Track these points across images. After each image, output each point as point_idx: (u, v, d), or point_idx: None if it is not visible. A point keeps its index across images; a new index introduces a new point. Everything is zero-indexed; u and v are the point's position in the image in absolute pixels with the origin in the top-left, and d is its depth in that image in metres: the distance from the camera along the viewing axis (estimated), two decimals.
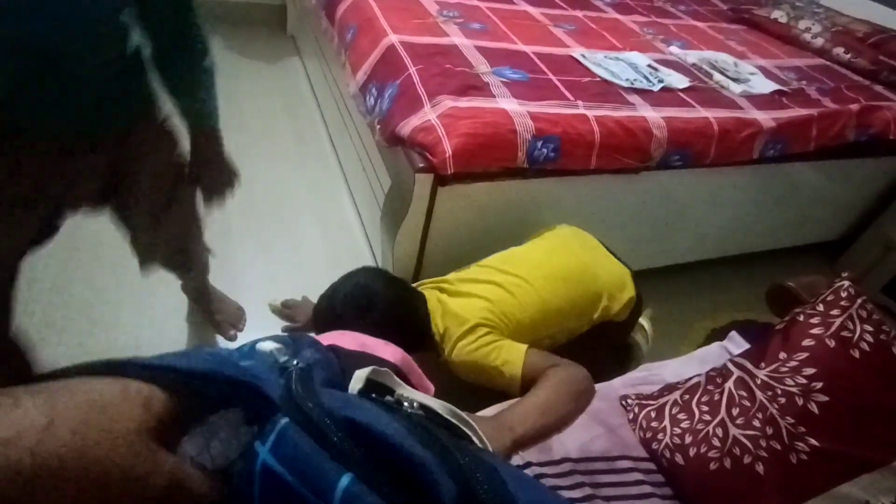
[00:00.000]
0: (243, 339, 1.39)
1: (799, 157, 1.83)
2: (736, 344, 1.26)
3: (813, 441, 0.85)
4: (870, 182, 2.20)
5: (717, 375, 1.01)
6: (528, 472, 0.90)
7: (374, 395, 0.40)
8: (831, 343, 0.89)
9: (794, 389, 0.88)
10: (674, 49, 2.10)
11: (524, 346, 1.06)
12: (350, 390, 0.40)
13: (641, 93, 1.67)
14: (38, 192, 0.88)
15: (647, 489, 0.95)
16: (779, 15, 2.57)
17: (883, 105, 1.99)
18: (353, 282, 1.14)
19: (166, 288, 1.46)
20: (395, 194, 1.45)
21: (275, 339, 0.38)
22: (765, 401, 0.90)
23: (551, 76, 1.63)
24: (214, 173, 1.09)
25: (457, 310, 1.14)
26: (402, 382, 0.43)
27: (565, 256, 1.29)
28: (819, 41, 2.41)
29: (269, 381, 0.32)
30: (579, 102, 1.52)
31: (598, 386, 1.02)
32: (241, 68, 2.66)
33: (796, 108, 1.84)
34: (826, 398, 0.85)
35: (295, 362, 0.35)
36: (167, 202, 1.09)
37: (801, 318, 0.96)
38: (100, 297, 1.51)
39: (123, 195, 1.03)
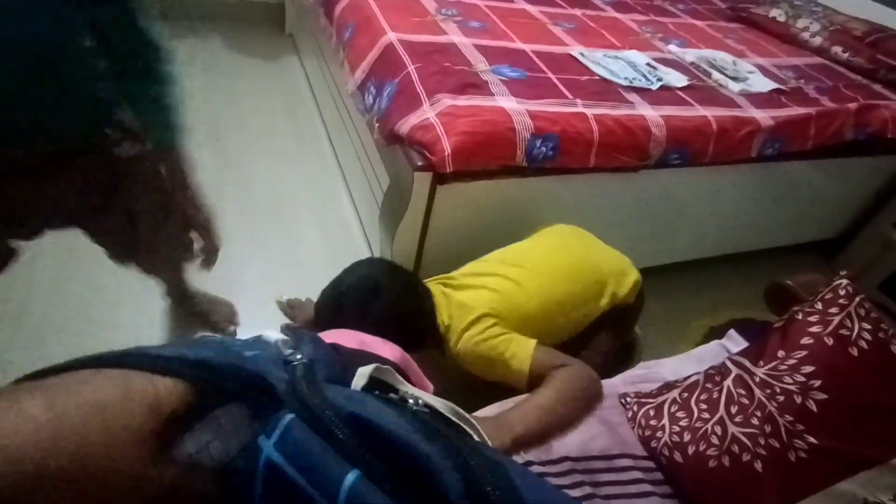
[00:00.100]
0: (241, 336, 1.39)
1: (797, 156, 1.83)
2: (734, 342, 1.26)
3: (811, 439, 0.85)
4: (867, 180, 2.20)
5: (716, 373, 1.01)
6: None
7: (377, 392, 0.40)
8: (830, 341, 0.89)
9: (792, 387, 0.88)
10: (672, 48, 2.10)
11: (533, 342, 1.05)
12: (353, 387, 0.39)
13: (640, 91, 1.67)
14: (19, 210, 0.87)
15: (646, 488, 0.95)
16: (777, 13, 2.57)
17: (881, 104, 1.99)
18: (358, 272, 1.13)
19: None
20: (393, 193, 1.45)
21: (281, 330, 0.38)
22: (763, 399, 0.90)
23: (550, 74, 1.63)
24: (187, 205, 1.06)
25: (463, 300, 1.13)
26: (403, 380, 0.43)
27: (565, 250, 1.30)
28: (817, 40, 2.41)
29: (273, 375, 0.32)
30: (578, 101, 1.52)
31: None
32: (239, 67, 2.65)
33: (794, 106, 1.84)
34: (824, 396, 0.86)
35: (298, 357, 0.35)
36: (146, 231, 1.08)
37: (800, 316, 0.96)
38: (99, 296, 1.50)
39: (97, 219, 1.02)
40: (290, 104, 2.50)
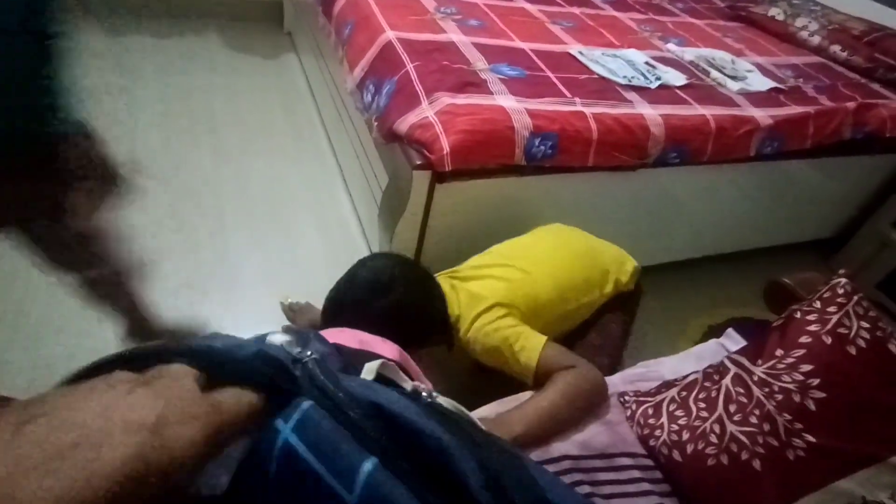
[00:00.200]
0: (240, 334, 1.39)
1: (795, 155, 1.83)
2: (733, 341, 1.26)
3: (810, 437, 0.85)
4: (865, 179, 2.21)
5: (714, 372, 1.02)
6: None
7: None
8: (828, 339, 0.89)
9: (790, 386, 0.88)
10: (671, 46, 2.10)
11: (543, 338, 1.05)
12: None
13: (639, 90, 1.67)
14: None
15: (645, 486, 0.95)
16: (776, 12, 2.57)
17: (879, 103, 1.99)
18: (369, 265, 1.11)
19: (166, 287, 1.45)
20: (392, 191, 1.45)
21: (283, 331, 0.39)
22: (762, 397, 0.90)
23: (549, 73, 1.63)
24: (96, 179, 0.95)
25: (474, 290, 1.13)
26: (407, 378, 0.43)
27: (566, 241, 1.32)
28: (816, 39, 2.42)
29: (289, 366, 0.32)
30: (577, 99, 1.52)
31: None
32: (237, 65, 2.65)
33: (793, 105, 1.84)
34: (823, 394, 0.86)
35: (309, 353, 0.35)
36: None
37: (798, 314, 0.96)
38: None
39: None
40: (289, 102, 2.50)
